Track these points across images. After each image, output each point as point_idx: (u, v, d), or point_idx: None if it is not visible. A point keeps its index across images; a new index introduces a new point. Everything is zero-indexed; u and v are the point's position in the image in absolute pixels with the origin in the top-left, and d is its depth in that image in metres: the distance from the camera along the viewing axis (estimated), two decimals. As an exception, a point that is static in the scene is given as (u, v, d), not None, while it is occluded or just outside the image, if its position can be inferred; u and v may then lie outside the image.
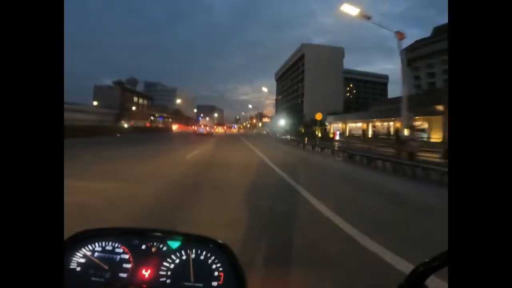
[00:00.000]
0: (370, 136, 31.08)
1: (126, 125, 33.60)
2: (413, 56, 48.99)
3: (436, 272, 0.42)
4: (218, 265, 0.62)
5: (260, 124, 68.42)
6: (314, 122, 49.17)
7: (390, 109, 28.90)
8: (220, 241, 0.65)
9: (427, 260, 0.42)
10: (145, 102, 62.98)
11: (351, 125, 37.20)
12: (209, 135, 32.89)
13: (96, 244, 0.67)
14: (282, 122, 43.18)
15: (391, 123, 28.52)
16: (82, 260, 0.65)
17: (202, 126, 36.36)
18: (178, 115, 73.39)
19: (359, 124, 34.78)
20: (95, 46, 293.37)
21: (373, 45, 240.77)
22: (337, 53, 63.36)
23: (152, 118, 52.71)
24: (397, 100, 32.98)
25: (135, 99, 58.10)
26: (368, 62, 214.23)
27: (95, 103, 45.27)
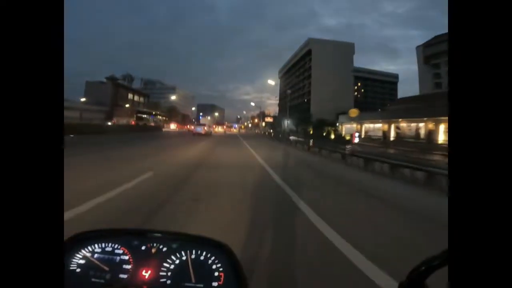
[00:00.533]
0: (392, 138, 26.97)
1: (109, 123, 29.58)
2: (432, 53, 45.30)
3: (436, 271, 0.41)
4: (218, 265, 0.62)
5: (263, 124, 64.31)
6: (322, 122, 45.75)
7: (417, 108, 24.83)
8: (220, 241, 0.65)
9: (428, 258, 0.42)
10: (141, 99, 58.98)
11: (367, 125, 33.04)
12: (207, 135, 29.23)
13: (96, 245, 0.67)
14: (287, 121, 39.31)
15: (421, 124, 24.40)
16: (82, 261, 0.65)
17: (200, 126, 32.42)
18: (173, 113, 68.88)
19: (378, 125, 30.64)
20: (96, 45, 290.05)
21: (375, 46, 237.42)
22: (347, 49, 59.37)
23: (144, 116, 48.18)
24: (428, 97, 28.88)
25: (130, 96, 54.11)
26: (371, 62, 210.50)
27: (82, 99, 41.22)
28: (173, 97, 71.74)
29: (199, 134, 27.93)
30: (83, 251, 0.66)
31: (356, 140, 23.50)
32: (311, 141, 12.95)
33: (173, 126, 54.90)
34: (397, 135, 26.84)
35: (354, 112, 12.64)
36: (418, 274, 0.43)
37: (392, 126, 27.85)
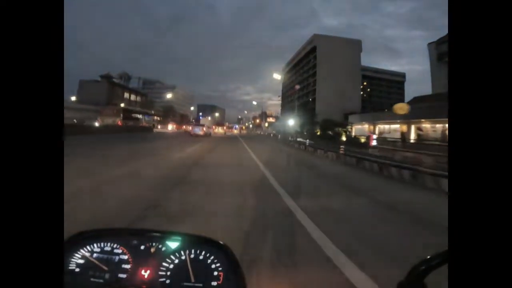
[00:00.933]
0: (413, 141, 24.07)
1: (97, 124, 26.81)
2: (446, 50, 42.46)
3: (436, 269, 0.41)
4: (218, 264, 0.62)
5: (266, 125, 61.54)
6: (330, 122, 42.93)
7: (439, 106, 21.89)
8: (219, 241, 0.66)
9: (427, 257, 0.43)
10: (138, 98, 56.33)
11: (381, 126, 30.10)
12: (206, 136, 26.99)
13: (95, 245, 0.67)
14: (292, 122, 36.52)
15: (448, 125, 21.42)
16: (81, 261, 0.65)
17: (198, 126, 29.82)
18: (171, 113, 65.76)
19: (393, 126, 27.72)
20: (96, 46, 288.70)
21: (377, 46, 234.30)
22: (354, 46, 56.50)
23: (138, 116, 45.19)
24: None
25: (126, 95, 51.44)
26: (373, 63, 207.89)
27: (73, 98, 38.54)
28: (169, 96, 68.73)
29: (197, 135, 25.59)
30: (82, 250, 0.65)
31: (374, 143, 20.50)
32: (341, 147, 10.00)
33: (170, 126, 51.95)
34: (419, 137, 23.90)
35: (401, 109, 9.82)
36: (417, 273, 0.43)
37: (413, 127, 24.91)
